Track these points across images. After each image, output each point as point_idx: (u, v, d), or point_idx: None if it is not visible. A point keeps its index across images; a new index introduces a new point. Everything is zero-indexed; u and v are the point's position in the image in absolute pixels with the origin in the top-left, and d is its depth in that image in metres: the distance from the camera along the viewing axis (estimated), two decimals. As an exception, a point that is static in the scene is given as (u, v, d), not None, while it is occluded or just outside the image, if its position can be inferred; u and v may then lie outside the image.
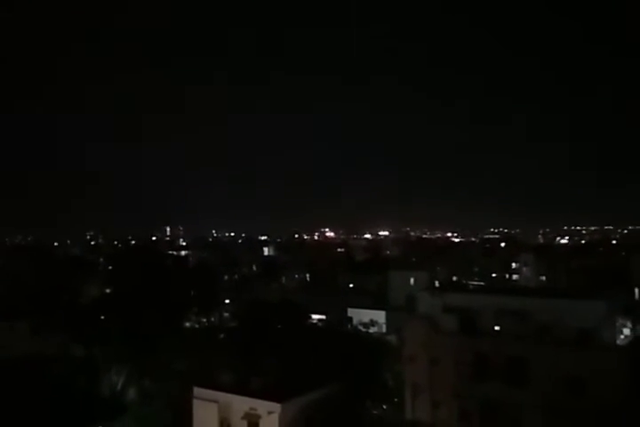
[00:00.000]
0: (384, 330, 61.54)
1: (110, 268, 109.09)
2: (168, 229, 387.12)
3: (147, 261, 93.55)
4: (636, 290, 65.61)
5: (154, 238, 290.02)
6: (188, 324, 65.81)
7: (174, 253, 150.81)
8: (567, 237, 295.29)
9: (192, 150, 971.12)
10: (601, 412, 29.51)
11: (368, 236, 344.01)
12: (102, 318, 54.48)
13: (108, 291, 78.22)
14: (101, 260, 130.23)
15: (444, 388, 35.83)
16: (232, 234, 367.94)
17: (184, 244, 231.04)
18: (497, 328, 36.70)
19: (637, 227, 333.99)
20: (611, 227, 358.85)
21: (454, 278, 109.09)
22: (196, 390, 35.27)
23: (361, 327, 56.03)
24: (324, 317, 68.56)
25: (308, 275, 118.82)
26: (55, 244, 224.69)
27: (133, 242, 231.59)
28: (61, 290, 70.66)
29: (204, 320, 70.10)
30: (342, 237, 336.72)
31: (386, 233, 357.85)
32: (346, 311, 69.47)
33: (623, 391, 30.30)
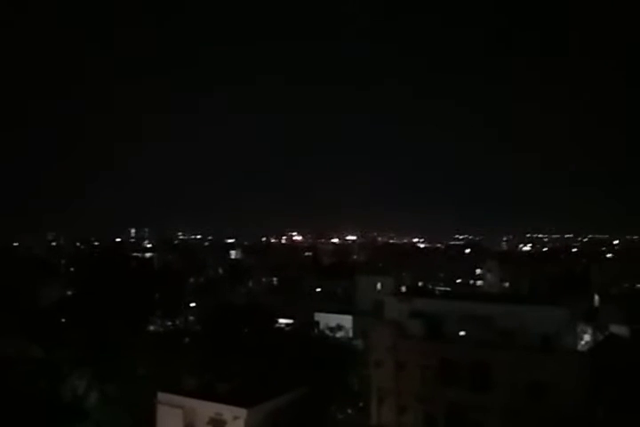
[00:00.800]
0: (351, 335, 61.67)
1: (72, 269, 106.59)
2: (133, 230, 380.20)
3: (110, 263, 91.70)
4: (596, 297, 67.35)
5: (118, 240, 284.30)
6: (152, 327, 64.76)
7: (139, 255, 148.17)
8: (530, 245, 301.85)
9: (162, 152, 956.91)
10: (562, 417, 30.16)
11: (335, 240, 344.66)
12: (63, 320, 53.26)
13: (69, 293, 76.36)
14: (63, 261, 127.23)
15: (410, 392, 36.14)
16: (199, 237, 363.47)
17: (149, 246, 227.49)
18: (462, 333, 37.23)
19: (597, 236, 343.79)
20: (571, 235, 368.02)
21: (420, 284, 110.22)
22: (160, 396, 34.78)
23: (328, 332, 56.17)
24: (291, 321, 68.50)
25: (275, 279, 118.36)
26: (15, 244, 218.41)
27: (97, 243, 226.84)
28: (20, 292, 68.68)
29: (169, 324, 69.05)
30: (310, 240, 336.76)
31: (353, 238, 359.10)
32: (313, 316, 69.44)
33: (583, 396, 31.07)
